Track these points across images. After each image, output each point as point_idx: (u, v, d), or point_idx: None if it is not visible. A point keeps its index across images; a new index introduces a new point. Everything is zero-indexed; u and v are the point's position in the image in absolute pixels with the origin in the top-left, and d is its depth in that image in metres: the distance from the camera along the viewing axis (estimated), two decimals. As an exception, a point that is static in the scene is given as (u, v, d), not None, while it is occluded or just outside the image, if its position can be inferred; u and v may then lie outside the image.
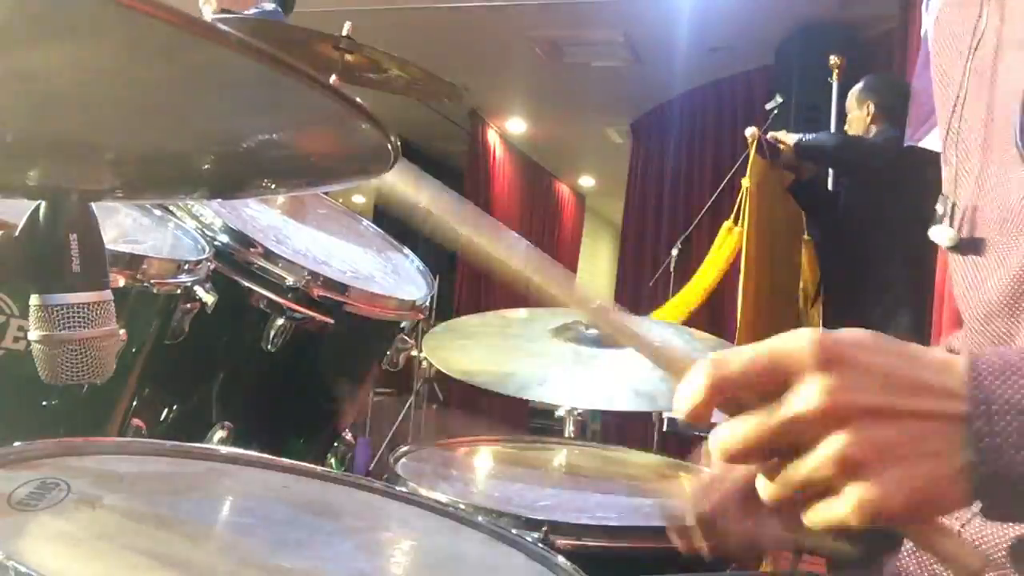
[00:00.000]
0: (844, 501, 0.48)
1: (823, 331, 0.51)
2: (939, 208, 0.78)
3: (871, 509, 0.47)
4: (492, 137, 7.54)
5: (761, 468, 0.51)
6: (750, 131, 3.15)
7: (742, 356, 0.49)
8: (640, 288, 5.88)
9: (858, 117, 3.17)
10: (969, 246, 0.74)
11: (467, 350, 1.54)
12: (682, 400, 0.50)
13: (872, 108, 3.11)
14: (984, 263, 0.72)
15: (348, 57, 1.99)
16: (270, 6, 2.73)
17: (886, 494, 0.47)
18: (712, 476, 0.80)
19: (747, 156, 3.17)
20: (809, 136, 3.19)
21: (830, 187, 3.44)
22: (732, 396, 0.50)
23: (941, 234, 0.76)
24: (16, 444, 0.74)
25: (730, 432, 0.50)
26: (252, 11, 2.76)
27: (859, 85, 3.21)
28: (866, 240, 2.96)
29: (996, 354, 0.51)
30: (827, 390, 0.47)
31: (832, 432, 0.47)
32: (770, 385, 0.49)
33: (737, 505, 0.76)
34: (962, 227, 0.75)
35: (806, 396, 0.47)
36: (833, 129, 3.59)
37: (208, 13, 2.81)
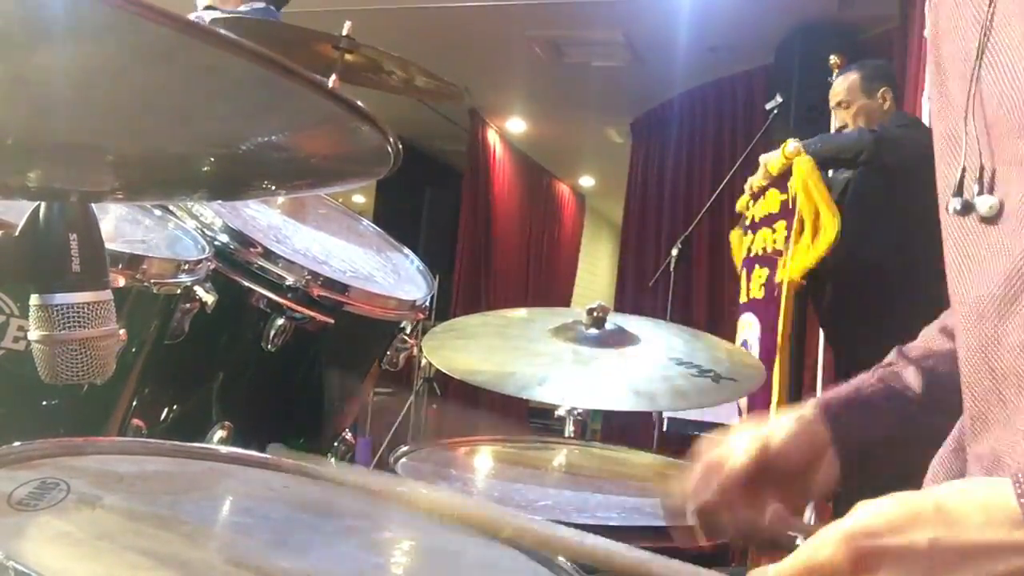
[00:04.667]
0: None
1: (850, 525, 0.49)
2: (955, 178, 0.69)
3: None
4: (492, 137, 7.54)
5: None
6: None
7: None
8: (640, 288, 5.88)
9: (868, 106, 3.00)
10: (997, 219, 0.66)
11: (467, 350, 1.54)
12: None
13: (891, 96, 2.98)
14: (982, 250, 0.68)
15: (348, 57, 1.99)
16: (260, 4, 2.68)
17: None
18: (708, 466, 0.79)
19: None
20: (818, 143, 2.93)
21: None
22: None
23: (983, 203, 0.66)
24: (16, 444, 0.74)
25: None
26: (243, 8, 2.72)
27: (859, 74, 3.04)
28: (875, 227, 2.84)
29: None
30: None
31: None
32: None
33: (739, 492, 0.76)
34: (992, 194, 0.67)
35: None
36: (833, 129, 3.55)
37: (200, 5, 2.77)
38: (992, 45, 0.68)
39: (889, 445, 0.82)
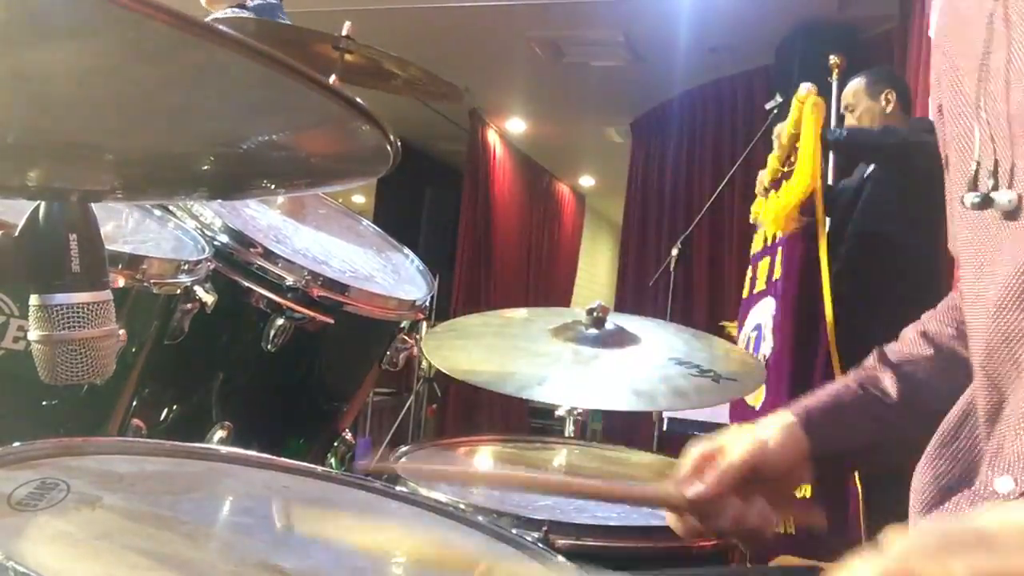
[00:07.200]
0: None
1: (889, 551, 0.49)
2: (972, 172, 0.68)
3: None
4: (492, 137, 7.54)
5: None
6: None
7: None
8: (640, 288, 5.88)
9: (871, 109, 3.03)
10: (1017, 213, 0.65)
11: (467, 350, 1.54)
12: None
13: (894, 97, 3.01)
14: (1002, 244, 0.67)
15: (348, 57, 1.99)
16: None
17: None
18: (704, 457, 0.83)
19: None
20: (838, 131, 2.99)
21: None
22: None
23: (1002, 198, 0.65)
24: (16, 444, 0.74)
25: None
26: (251, 3, 2.71)
27: (864, 79, 3.10)
28: (887, 233, 2.85)
29: None
30: None
31: None
32: None
33: (733, 486, 0.80)
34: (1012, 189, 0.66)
35: None
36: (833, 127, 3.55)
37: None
38: (1017, 38, 0.67)
39: (864, 452, 0.88)
